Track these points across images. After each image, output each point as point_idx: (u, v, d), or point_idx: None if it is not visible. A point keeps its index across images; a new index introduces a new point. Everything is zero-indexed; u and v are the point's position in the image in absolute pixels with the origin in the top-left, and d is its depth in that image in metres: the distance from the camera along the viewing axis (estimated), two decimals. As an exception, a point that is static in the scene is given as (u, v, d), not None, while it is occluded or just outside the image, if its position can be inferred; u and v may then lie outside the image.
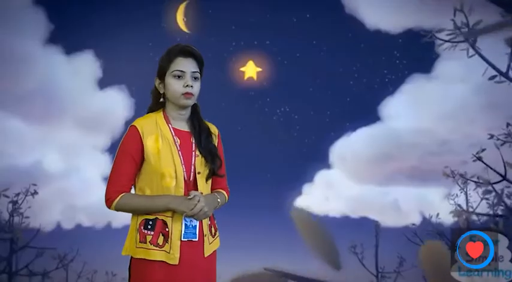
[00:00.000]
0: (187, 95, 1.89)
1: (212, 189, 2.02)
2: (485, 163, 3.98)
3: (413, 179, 4.87)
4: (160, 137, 1.89)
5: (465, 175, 4.21)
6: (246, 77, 5.24)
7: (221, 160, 2.01)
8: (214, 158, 1.97)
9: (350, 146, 5.13)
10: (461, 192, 5.01)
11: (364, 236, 4.91)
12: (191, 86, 1.89)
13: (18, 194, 5.33)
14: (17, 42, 5.22)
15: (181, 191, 1.87)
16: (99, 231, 5.29)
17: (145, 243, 1.85)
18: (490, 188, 4.13)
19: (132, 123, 1.91)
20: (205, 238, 1.92)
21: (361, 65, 5.19)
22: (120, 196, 1.85)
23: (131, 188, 1.91)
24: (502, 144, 3.99)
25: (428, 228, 5.02)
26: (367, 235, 4.95)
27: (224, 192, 2.06)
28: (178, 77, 1.89)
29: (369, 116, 4.98)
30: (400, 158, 5.00)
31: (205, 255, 1.91)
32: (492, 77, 3.56)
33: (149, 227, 1.86)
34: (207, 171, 1.94)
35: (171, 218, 1.86)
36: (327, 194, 5.31)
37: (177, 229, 1.86)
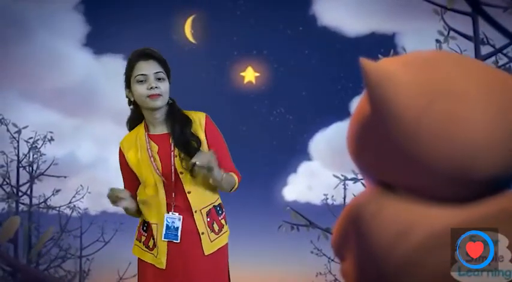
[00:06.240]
0: (152, 96, 1.82)
1: None
2: None
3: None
4: (138, 148, 1.89)
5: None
6: (245, 81, 5.71)
7: (198, 147, 1.86)
8: (189, 149, 1.84)
9: (327, 139, 5.63)
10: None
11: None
12: (156, 87, 1.82)
13: (37, 140, 5.80)
14: (57, 42, 5.75)
15: (164, 196, 1.86)
16: (123, 216, 5.88)
17: (140, 242, 1.93)
18: None
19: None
20: (202, 236, 1.85)
21: (346, 71, 5.64)
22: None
23: (136, 195, 1.96)
24: None
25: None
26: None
27: (231, 173, 1.92)
28: (142, 81, 1.84)
29: (342, 112, 5.32)
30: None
31: (206, 254, 1.85)
32: None
33: (144, 228, 1.93)
34: (190, 167, 1.81)
35: (156, 225, 1.88)
36: (309, 183, 5.84)
37: (161, 232, 1.85)
